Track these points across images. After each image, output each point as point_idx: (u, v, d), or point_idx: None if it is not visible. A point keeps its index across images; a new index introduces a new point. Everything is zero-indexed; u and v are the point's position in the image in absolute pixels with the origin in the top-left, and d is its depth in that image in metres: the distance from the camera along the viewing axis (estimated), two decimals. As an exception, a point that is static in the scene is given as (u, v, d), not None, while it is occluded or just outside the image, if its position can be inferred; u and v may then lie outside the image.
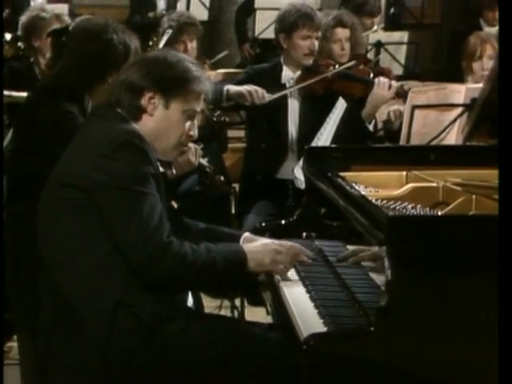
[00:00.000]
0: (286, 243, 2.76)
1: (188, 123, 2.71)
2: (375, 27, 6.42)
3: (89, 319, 2.49)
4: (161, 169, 2.75)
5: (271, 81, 4.57)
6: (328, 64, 4.62)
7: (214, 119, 4.62)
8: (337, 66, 4.59)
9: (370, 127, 4.41)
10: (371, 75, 4.55)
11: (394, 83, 4.40)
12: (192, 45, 5.47)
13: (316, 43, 4.54)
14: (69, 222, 2.55)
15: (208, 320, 2.67)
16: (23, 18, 5.30)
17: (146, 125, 2.66)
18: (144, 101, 2.65)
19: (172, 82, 2.66)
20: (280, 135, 4.53)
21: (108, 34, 3.42)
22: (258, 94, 4.43)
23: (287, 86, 4.60)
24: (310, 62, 4.56)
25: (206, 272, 2.55)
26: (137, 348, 2.47)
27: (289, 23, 4.56)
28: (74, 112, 3.36)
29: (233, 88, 4.47)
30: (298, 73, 4.59)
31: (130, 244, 2.49)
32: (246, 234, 2.88)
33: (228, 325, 2.66)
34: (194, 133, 2.74)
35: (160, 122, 2.66)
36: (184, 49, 5.40)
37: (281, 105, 4.53)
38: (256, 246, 2.71)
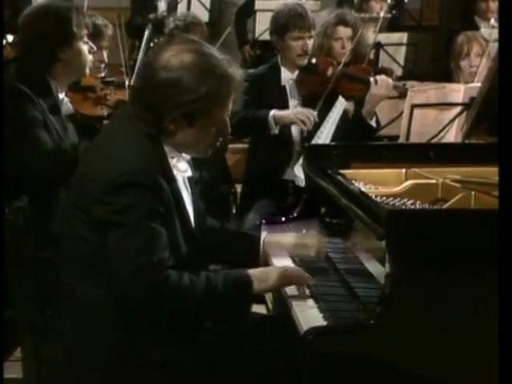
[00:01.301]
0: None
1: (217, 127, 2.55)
2: (382, 13, 6.42)
3: (92, 344, 2.47)
4: (189, 173, 2.65)
5: (271, 84, 4.58)
6: (327, 63, 4.63)
7: None
8: (334, 62, 4.61)
9: (373, 123, 4.43)
10: (372, 74, 4.56)
11: (391, 81, 4.41)
12: None
13: (309, 43, 4.55)
14: (74, 244, 2.51)
15: (211, 339, 2.57)
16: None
17: (172, 139, 2.53)
18: (166, 123, 2.49)
19: (193, 106, 2.46)
20: (283, 138, 4.53)
21: (44, 13, 3.50)
22: (310, 119, 4.36)
23: (287, 87, 4.60)
24: (304, 61, 4.57)
25: (208, 302, 2.45)
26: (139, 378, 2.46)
27: (280, 25, 4.58)
28: (22, 89, 3.36)
29: (279, 113, 4.40)
30: (297, 72, 4.60)
31: (123, 280, 2.37)
32: (265, 236, 2.82)
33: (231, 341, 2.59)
34: (227, 132, 2.58)
35: (185, 137, 2.52)
36: None
37: (283, 107, 4.54)
38: (261, 269, 2.62)
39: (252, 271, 2.52)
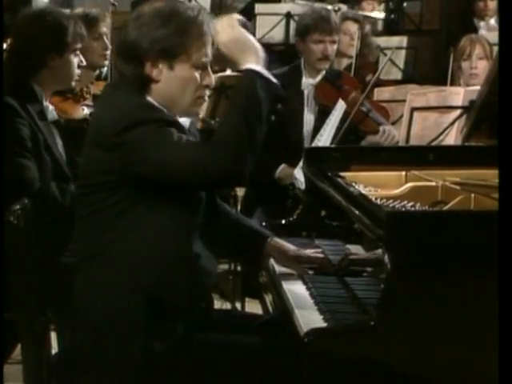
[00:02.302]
0: None
1: (199, 75, 2.54)
2: (375, 12, 6.49)
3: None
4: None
5: (291, 87, 4.51)
6: (353, 84, 4.60)
7: (213, 122, 4.59)
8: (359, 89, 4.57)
9: None
10: (388, 118, 4.51)
11: (397, 138, 4.32)
12: None
13: (330, 48, 4.50)
14: (107, 214, 2.49)
15: (208, 337, 2.59)
16: None
17: (156, 91, 2.54)
18: (147, 69, 2.51)
19: (169, 41, 2.50)
20: (295, 147, 4.51)
21: (42, 18, 3.46)
22: None
23: (305, 92, 4.56)
24: (325, 66, 4.54)
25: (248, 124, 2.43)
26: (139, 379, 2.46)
27: (302, 26, 4.57)
28: (12, 106, 3.33)
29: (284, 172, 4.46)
30: (318, 78, 4.56)
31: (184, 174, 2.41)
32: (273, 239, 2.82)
33: (229, 338, 2.59)
34: (210, 81, 2.58)
35: (169, 84, 2.53)
36: None
37: (296, 115, 4.54)
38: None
39: None
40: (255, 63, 2.50)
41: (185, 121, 2.63)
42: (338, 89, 4.54)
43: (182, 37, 2.50)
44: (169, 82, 2.53)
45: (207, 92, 2.61)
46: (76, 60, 3.54)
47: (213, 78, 2.60)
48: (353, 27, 4.86)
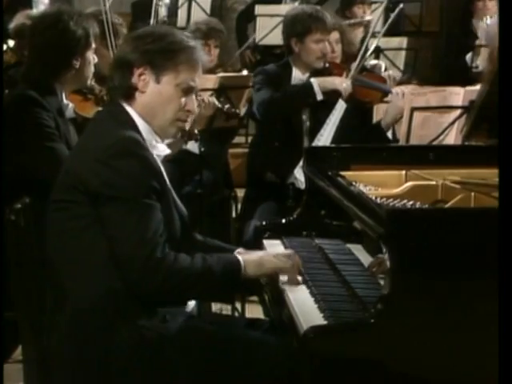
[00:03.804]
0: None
1: (184, 98, 2.64)
2: (368, 16, 6.50)
3: (91, 327, 2.50)
4: (167, 151, 2.70)
5: (283, 82, 4.58)
6: (340, 68, 4.61)
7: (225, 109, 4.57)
8: (352, 71, 4.58)
9: (389, 135, 4.39)
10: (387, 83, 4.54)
11: (405, 89, 4.29)
12: (215, 51, 5.49)
13: (328, 45, 4.56)
14: (74, 226, 2.54)
15: (206, 329, 2.61)
16: (11, 27, 5.31)
17: (140, 102, 2.63)
18: (135, 78, 2.62)
19: (159, 55, 2.61)
20: (295, 144, 4.52)
21: (64, 20, 3.48)
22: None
23: None
24: (321, 64, 4.56)
25: (203, 283, 2.53)
26: (136, 363, 2.47)
27: (301, 27, 4.56)
28: (37, 98, 3.38)
29: (320, 78, 4.49)
30: (307, 74, 4.58)
31: (121, 256, 2.46)
32: (239, 250, 2.81)
33: (227, 332, 2.60)
34: (193, 108, 2.68)
35: (153, 97, 2.63)
36: (207, 52, 5.42)
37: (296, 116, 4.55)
38: (253, 255, 2.68)
39: (246, 257, 2.62)
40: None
41: (164, 149, 2.69)
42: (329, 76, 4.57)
43: (173, 54, 2.62)
44: (152, 95, 2.64)
45: (189, 119, 2.70)
46: (92, 58, 3.59)
47: (196, 106, 2.70)
48: (331, 36, 4.84)
